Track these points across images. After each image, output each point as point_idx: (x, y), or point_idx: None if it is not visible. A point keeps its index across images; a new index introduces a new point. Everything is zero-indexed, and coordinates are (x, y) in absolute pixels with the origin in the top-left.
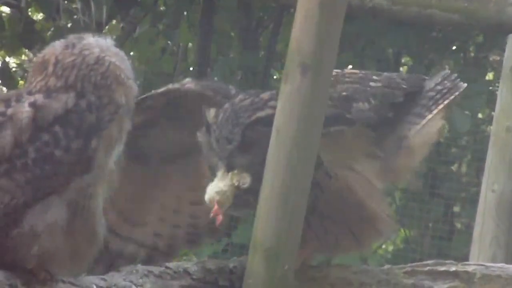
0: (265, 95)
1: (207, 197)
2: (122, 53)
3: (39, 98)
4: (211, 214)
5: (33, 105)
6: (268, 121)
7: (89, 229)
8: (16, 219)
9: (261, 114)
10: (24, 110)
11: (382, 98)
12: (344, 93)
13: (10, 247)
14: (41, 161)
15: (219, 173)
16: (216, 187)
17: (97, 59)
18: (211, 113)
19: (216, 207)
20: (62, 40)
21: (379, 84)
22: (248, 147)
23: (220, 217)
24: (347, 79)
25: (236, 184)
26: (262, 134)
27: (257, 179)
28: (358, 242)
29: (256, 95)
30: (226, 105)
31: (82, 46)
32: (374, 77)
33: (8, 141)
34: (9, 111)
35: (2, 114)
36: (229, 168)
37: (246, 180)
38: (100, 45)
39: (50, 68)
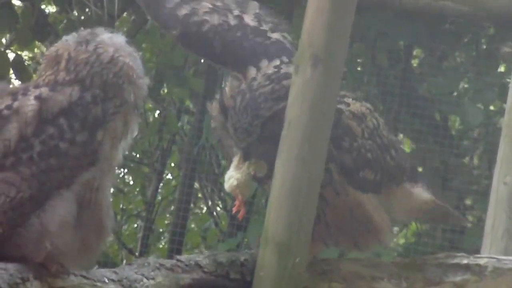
0: (287, 81)
1: (227, 187)
2: (134, 52)
3: (44, 91)
4: (234, 209)
5: (38, 98)
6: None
7: (97, 222)
8: (23, 213)
9: (282, 103)
10: (29, 103)
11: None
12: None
13: (20, 242)
14: (47, 154)
15: (236, 160)
16: (235, 178)
17: (111, 59)
18: (227, 91)
19: (238, 199)
20: (74, 35)
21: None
22: (267, 138)
23: (243, 210)
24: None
25: (252, 173)
26: (281, 126)
27: (272, 169)
28: (358, 248)
29: (277, 80)
30: (244, 87)
31: (96, 43)
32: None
33: (13, 134)
34: (15, 104)
35: (8, 108)
36: (247, 158)
37: (262, 169)
38: (114, 43)
39: (63, 64)
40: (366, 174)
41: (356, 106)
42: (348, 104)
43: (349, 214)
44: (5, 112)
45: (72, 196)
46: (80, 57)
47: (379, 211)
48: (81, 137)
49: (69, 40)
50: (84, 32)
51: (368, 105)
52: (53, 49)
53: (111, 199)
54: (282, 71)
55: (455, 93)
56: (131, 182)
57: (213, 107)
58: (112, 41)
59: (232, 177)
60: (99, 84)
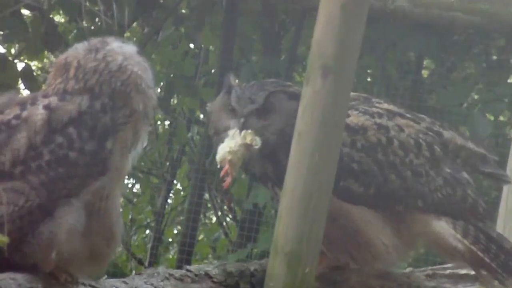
0: (289, 83)
1: (218, 156)
2: (145, 62)
3: (53, 100)
4: (221, 173)
5: (47, 107)
6: (292, 96)
7: (107, 230)
8: (32, 221)
9: (287, 89)
10: (39, 113)
11: None
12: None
13: (29, 251)
14: (56, 163)
15: (231, 132)
16: (227, 147)
17: (120, 67)
18: (234, 78)
19: (227, 166)
20: (85, 43)
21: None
22: (267, 112)
23: (229, 179)
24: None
25: (248, 143)
26: (284, 105)
27: (272, 155)
28: (356, 262)
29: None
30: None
31: (106, 52)
32: None
33: (22, 143)
34: (24, 114)
35: (16, 117)
36: (244, 127)
37: (257, 141)
38: (123, 52)
39: (72, 72)
40: (350, 184)
41: (359, 119)
42: (348, 116)
43: (331, 222)
44: (14, 121)
45: (81, 204)
46: (89, 65)
47: (373, 226)
48: (90, 146)
49: (79, 48)
50: (95, 40)
51: (392, 123)
52: (62, 56)
53: (120, 209)
54: None
55: (464, 105)
56: (140, 193)
57: (215, 99)
58: (122, 49)
59: (225, 146)
60: (108, 92)
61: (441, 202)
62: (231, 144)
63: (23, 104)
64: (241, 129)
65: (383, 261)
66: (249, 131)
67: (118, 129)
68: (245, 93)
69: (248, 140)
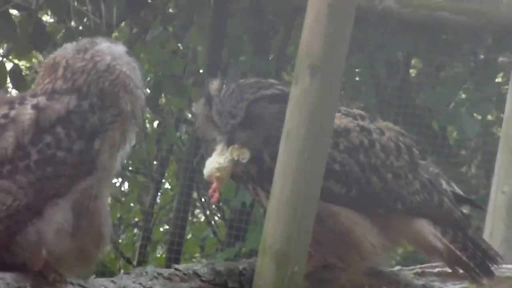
0: (274, 81)
1: (206, 172)
2: (133, 62)
3: (41, 100)
4: (210, 191)
5: (35, 107)
6: (272, 99)
7: (95, 230)
8: (19, 221)
9: (266, 92)
10: (27, 112)
11: None
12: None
13: (17, 250)
14: (43, 162)
15: (219, 147)
16: (216, 162)
17: (108, 67)
18: (214, 85)
19: (215, 183)
20: (74, 43)
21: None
22: (250, 123)
23: (217, 195)
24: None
25: (236, 158)
26: (265, 111)
27: (257, 154)
28: (345, 263)
29: (264, 79)
30: (231, 83)
31: (94, 52)
32: None
33: (10, 142)
34: (12, 113)
35: (5, 116)
36: (230, 143)
37: (245, 155)
38: (112, 52)
39: (60, 71)
40: (332, 185)
41: (342, 121)
42: None
43: (319, 223)
44: (2, 121)
45: (69, 204)
46: (77, 65)
47: (360, 227)
48: (78, 146)
49: (68, 48)
50: (84, 40)
51: (374, 126)
52: (51, 56)
53: (109, 208)
54: None
55: (452, 104)
56: (128, 191)
57: (199, 103)
58: (110, 49)
59: (213, 162)
60: (96, 92)
61: (419, 205)
62: (219, 160)
63: (11, 104)
64: (227, 145)
65: (371, 261)
66: (236, 146)
67: (106, 129)
68: (225, 106)
69: (235, 155)
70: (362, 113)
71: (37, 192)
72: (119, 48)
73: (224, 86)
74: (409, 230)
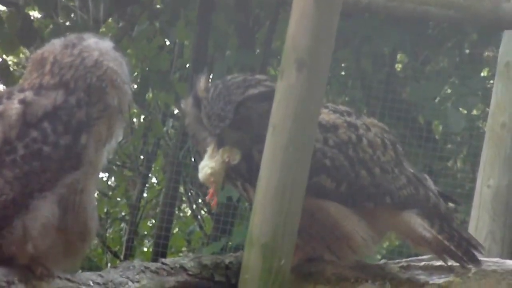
0: (261, 76)
1: (201, 177)
2: (121, 57)
3: (29, 95)
4: (207, 198)
5: (22, 101)
6: (260, 98)
7: (82, 224)
8: (6, 215)
9: (253, 91)
10: (14, 107)
11: None
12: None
13: (3, 244)
14: (30, 157)
15: (209, 150)
16: (209, 167)
17: (95, 62)
18: (201, 85)
19: (212, 189)
20: (62, 39)
21: None
22: (239, 124)
23: (216, 199)
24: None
25: (226, 160)
26: (254, 111)
27: (247, 153)
28: (335, 256)
29: (251, 75)
30: (217, 82)
31: (82, 47)
32: None
33: None
34: (0, 108)
35: None
36: (220, 145)
37: (236, 156)
38: (99, 48)
39: (48, 67)
40: (322, 180)
41: (330, 117)
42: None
43: (310, 218)
44: None
45: (55, 198)
46: (64, 60)
47: (350, 220)
48: (64, 140)
49: (55, 43)
50: (71, 36)
51: (360, 122)
52: (39, 52)
53: (96, 203)
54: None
55: (438, 98)
56: (115, 186)
57: (187, 103)
58: (98, 45)
59: (206, 166)
60: (83, 87)
61: (407, 199)
62: (211, 164)
63: None
64: (218, 147)
65: (361, 253)
66: (227, 147)
67: (92, 124)
68: (213, 109)
69: (226, 157)
70: (348, 109)
71: (24, 186)
72: (107, 44)
73: (210, 85)
74: (398, 222)
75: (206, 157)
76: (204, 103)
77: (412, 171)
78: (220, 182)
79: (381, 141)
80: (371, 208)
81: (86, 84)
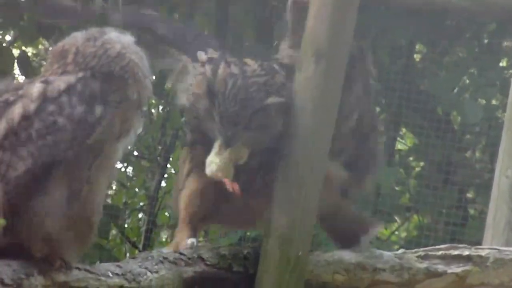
0: (283, 78)
1: (208, 171)
2: (141, 52)
3: (50, 76)
4: (229, 188)
5: (44, 81)
6: (278, 109)
7: (87, 215)
8: (21, 193)
9: (273, 100)
10: (36, 85)
11: None
12: None
13: (19, 229)
14: (44, 130)
15: (217, 145)
16: (215, 164)
17: (118, 54)
18: (220, 73)
19: (226, 181)
20: (83, 32)
21: None
22: (252, 128)
23: (236, 186)
24: None
25: (233, 160)
26: (270, 121)
27: (257, 151)
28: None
29: (271, 74)
30: (236, 71)
31: (104, 40)
32: None
33: (17, 113)
34: (21, 91)
35: (14, 95)
36: (228, 145)
37: (243, 156)
38: (121, 41)
39: (70, 57)
40: None
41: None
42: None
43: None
44: (11, 98)
45: (65, 184)
46: (88, 51)
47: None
48: (79, 110)
49: (77, 36)
50: (93, 29)
51: None
52: (60, 44)
53: (104, 198)
54: (273, 64)
55: (456, 89)
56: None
57: (198, 84)
58: (120, 39)
59: (213, 162)
60: (105, 73)
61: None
62: (218, 161)
63: (20, 86)
64: (225, 147)
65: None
66: (234, 147)
67: (108, 105)
68: (228, 110)
69: (234, 157)
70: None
71: (38, 160)
72: (128, 38)
73: (228, 76)
74: None
75: (213, 152)
76: (219, 99)
77: None
78: (229, 175)
79: None
80: None
81: (109, 70)
